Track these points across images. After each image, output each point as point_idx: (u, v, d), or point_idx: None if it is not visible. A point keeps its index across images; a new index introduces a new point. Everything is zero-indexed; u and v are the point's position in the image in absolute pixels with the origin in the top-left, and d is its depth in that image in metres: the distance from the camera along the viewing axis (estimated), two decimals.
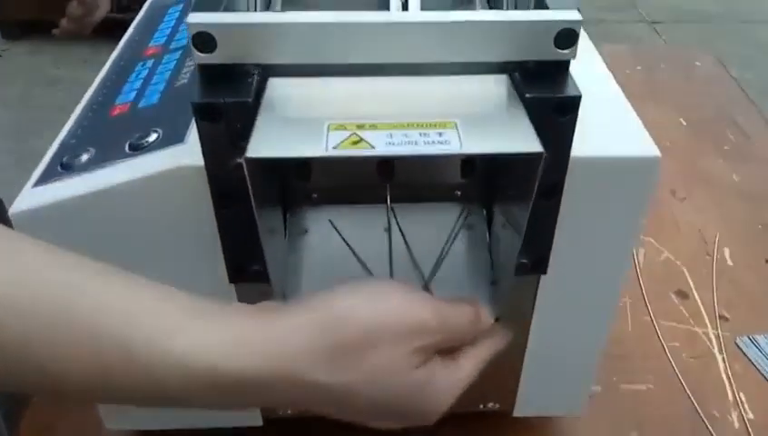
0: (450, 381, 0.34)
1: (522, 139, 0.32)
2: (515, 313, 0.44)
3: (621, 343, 0.63)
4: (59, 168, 0.42)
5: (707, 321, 0.66)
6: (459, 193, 0.45)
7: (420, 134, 0.31)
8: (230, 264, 0.40)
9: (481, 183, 0.44)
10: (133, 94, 0.47)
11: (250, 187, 0.33)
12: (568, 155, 0.36)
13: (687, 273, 0.71)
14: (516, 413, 0.53)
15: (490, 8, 0.46)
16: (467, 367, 0.36)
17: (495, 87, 0.36)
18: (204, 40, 0.34)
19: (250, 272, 0.39)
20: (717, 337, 0.65)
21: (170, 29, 0.56)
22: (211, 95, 0.34)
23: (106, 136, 0.43)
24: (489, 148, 0.32)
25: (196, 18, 0.33)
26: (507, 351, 0.44)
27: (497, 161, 0.42)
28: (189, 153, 0.38)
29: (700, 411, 0.58)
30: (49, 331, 0.28)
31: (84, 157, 0.42)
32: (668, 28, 2.93)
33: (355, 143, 0.31)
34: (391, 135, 0.31)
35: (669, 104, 0.94)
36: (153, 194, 0.39)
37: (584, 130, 0.36)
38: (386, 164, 0.43)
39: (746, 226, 0.76)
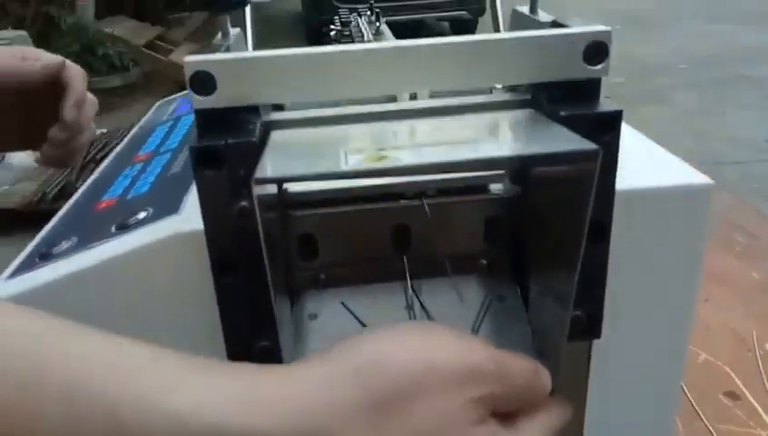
0: None
1: (573, 140, 0.28)
2: (567, 390, 0.38)
3: None
4: (37, 259, 0.36)
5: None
6: (485, 261, 0.40)
7: (451, 148, 0.28)
8: (231, 342, 0.33)
9: (509, 247, 0.39)
10: (121, 189, 0.43)
11: (261, 231, 0.28)
12: (614, 184, 0.32)
13: (733, 373, 0.64)
14: None
15: None
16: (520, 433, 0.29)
17: (526, 116, 0.33)
18: (203, 80, 0.31)
19: (256, 351, 0.33)
20: None
21: (159, 140, 0.53)
22: (212, 139, 0.30)
23: (91, 225, 0.38)
24: (537, 149, 0.28)
25: (194, 58, 0.30)
26: (564, 431, 0.37)
27: (529, 212, 0.37)
28: (184, 221, 0.34)
29: None
30: (25, 391, 0.22)
31: (65, 245, 0.37)
32: None
33: (379, 160, 0.27)
34: (419, 151, 0.27)
35: None
36: (143, 269, 0.33)
37: (625, 166, 0.32)
38: (402, 230, 0.38)
39: None
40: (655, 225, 0.35)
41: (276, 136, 0.32)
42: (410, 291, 0.38)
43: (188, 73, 0.30)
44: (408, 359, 0.25)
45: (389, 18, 0.69)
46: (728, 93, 3.72)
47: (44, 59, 0.47)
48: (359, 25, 0.66)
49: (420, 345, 0.26)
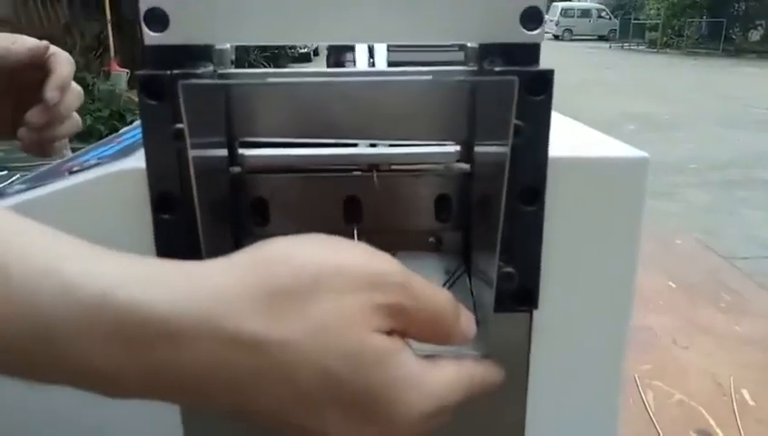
0: (424, 380, 0.26)
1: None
2: (509, 361, 0.36)
3: None
4: None
5: None
6: (433, 239, 0.40)
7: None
8: None
9: (457, 225, 0.40)
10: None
11: (192, 165, 0.29)
12: (546, 146, 0.33)
13: (706, 414, 0.62)
14: None
15: None
16: (448, 375, 0.28)
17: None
18: (156, 16, 0.32)
19: None
20: None
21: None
22: (153, 68, 0.32)
23: (46, 175, 0.39)
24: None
25: None
26: (506, 411, 0.36)
27: (473, 189, 0.38)
28: (128, 162, 0.35)
29: None
30: None
31: (18, 187, 0.38)
32: None
33: None
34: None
35: (654, 269, 0.92)
36: (86, 201, 0.34)
37: (567, 141, 0.33)
38: (353, 203, 0.39)
39: (762, 369, 0.69)
40: (594, 196, 0.35)
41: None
42: None
43: (142, 8, 0.32)
44: (313, 257, 0.25)
45: None
46: (738, 193, 3.74)
47: (29, 42, 0.50)
48: None
49: (330, 249, 0.26)
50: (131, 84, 4.75)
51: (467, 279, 0.39)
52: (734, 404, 0.63)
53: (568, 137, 0.36)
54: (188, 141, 0.29)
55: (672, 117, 5.94)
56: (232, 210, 0.38)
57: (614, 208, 0.35)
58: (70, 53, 0.53)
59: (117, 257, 0.24)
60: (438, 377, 0.27)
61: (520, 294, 0.35)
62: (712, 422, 0.60)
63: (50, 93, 0.49)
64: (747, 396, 0.64)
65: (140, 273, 0.23)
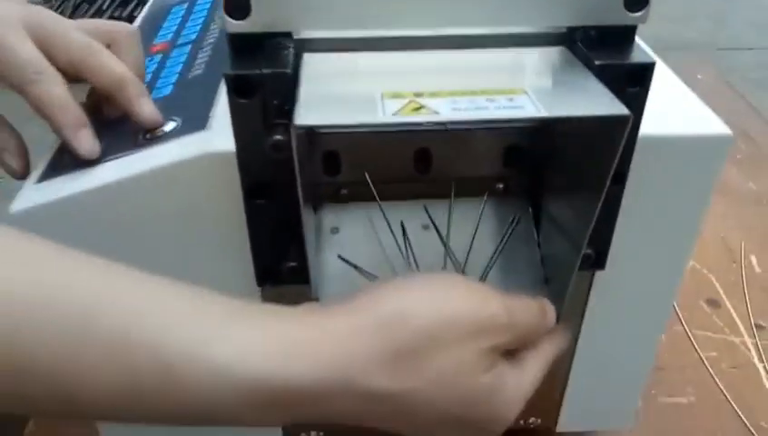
0: (519, 385, 0.30)
1: (604, 103, 0.28)
2: (565, 316, 0.40)
3: (656, 354, 0.59)
4: (61, 164, 0.37)
5: (743, 329, 0.63)
6: (502, 185, 0.41)
7: (488, 100, 0.28)
8: (259, 264, 0.35)
9: (527, 173, 0.40)
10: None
11: (297, 164, 0.29)
12: (636, 135, 0.33)
13: (716, 282, 0.67)
14: (560, 429, 0.49)
15: None
16: (533, 371, 0.32)
17: (558, 57, 0.33)
18: (237, 4, 0.30)
19: (284, 271, 0.35)
20: (756, 346, 0.61)
21: (176, 26, 0.52)
22: (246, 67, 0.30)
23: (116, 128, 0.39)
24: (571, 111, 0.28)
25: None
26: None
27: (551, 145, 0.38)
28: (213, 139, 0.35)
29: (747, 422, 0.55)
30: (70, 340, 0.24)
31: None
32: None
33: (416, 109, 0.27)
34: (455, 101, 0.28)
35: None
36: (170, 187, 0.34)
37: (648, 109, 0.33)
38: (423, 154, 0.39)
39: None
40: (669, 171, 0.36)
41: (309, 65, 0.32)
42: (431, 213, 0.40)
43: None
44: (427, 314, 0.27)
45: None
46: None
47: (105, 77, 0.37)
48: None
49: (438, 300, 0.28)
50: None
51: (533, 227, 0.41)
52: (743, 272, 0.68)
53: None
54: (297, 167, 0.29)
55: None
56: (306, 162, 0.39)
57: (688, 182, 0.36)
58: None
59: (256, 329, 0.26)
60: (528, 379, 0.31)
61: (592, 258, 0.38)
62: (721, 292, 0.66)
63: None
64: (755, 262, 0.70)
65: (282, 347, 0.26)
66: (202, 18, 0.52)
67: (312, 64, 0.32)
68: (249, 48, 0.31)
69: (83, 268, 0.26)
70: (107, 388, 0.24)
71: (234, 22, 0.30)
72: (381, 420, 0.28)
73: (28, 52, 0.35)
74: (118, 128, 0.39)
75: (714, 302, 0.65)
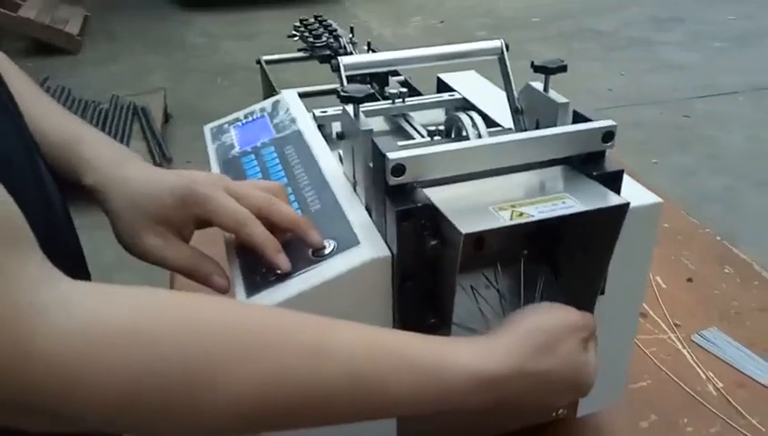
0: (593, 360, 0.52)
1: (611, 198, 0.52)
2: None
3: None
4: (255, 283, 0.55)
5: (666, 329, 0.89)
6: (526, 252, 0.63)
7: (554, 204, 0.51)
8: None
9: (544, 244, 0.63)
10: None
11: (459, 256, 0.49)
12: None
13: None
14: (580, 414, 0.70)
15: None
16: (594, 352, 0.53)
17: (568, 172, 0.56)
18: (398, 169, 0.51)
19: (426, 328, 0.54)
20: (678, 338, 0.87)
21: (260, 173, 0.71)
22: (404, 204, 0.51)
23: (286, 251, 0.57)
24: (601, 203, 0.51)
25: (394, 155, 0.51)
26: None
27: (563, 228, 0.61)
28: (367, 251, 0.54)
29: (688, 389, 0.79)
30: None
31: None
32: None
33: (520, 215, 0.49)
34: (538, 208, 0.50)
35: None
36: (347, 288, 0.53)
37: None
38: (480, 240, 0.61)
39: (665, 258, 1.02)
40: (629, 233, 0.60)
41: (436, 196, 0.53)
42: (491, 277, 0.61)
43: (389, 165, 0.50)
44: (553, 323, 0.49)
45: None
46: (574, 45, 4.19)
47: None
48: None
49: (553, 314, 0.50)
50: None
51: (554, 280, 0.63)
52: (656, 289, 0.95)
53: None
54: (459, 259, 0.50)
55: None
56: None
57: (635, 239, 0.60)
58: None
59: (473, 344, 0.46)
60: (594, 357, 0.53)
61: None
62: (645, 306, 0.92)
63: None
64: (660, 281, 0.97)
65: (485, 353, 0.46)
66: (275, 162, 0.71)
67: (437, 195, 0.53)
68: (398, 192, 0.52)
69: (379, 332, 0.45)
70: (409, 394, 0.43)
71: (396, 179, 0.51)
72: (532, 392, 0.48)
73: (234, 205, 0.54)
74: (287, 251, 0.57)
75: (643, 314, 0.91)
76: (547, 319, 0.50)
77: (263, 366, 0.38)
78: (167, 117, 3.35)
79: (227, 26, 4.72)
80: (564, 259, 0.62)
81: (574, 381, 0.50)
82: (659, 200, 0.61)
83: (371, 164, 0.55)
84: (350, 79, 0.67)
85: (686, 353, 0.85)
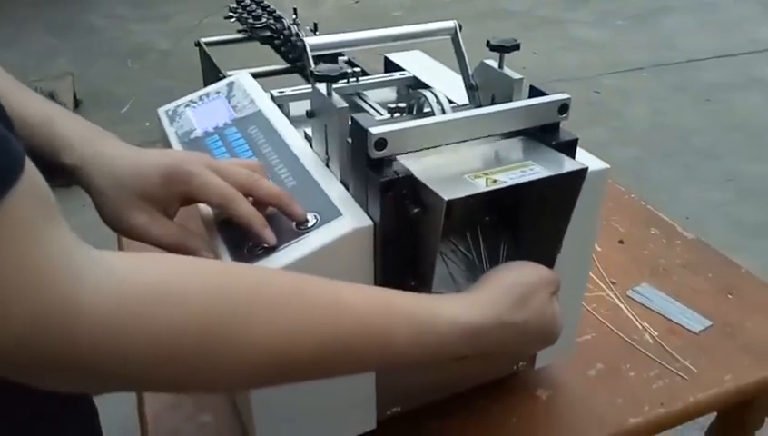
0: (559, 312, 0.57)
1: (572, 163, 0.57)
2: None
3: None
4: (242, 256, 0.57)
5: (604, 287, 0.97)
6: (488, 218, 0.68)
7: (522, 171, 0.55)
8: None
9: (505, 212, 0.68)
10: None
11: (441, 223, 0.53)
12: None
13: None
14: (537, 366, 0.76)
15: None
16: (558, 304, 0.59)
17: (529, 143, 0.61)
18: (381, 143, 0.54)
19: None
20: (615, 295, 0.95)
21: (227, 153, 0.72)
22: (386, 176, 0.54)
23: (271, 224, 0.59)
24: (564, 169, 0.56)
25: (376, 130, 0.54)
26: None
27: (526, 194, 0.66)
28: (350, 221, 0.57)
29: (627, 339, 0.87)
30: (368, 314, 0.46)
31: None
32: None
33: (494, 181, 0.54)
34: (508, 175, 0.55)
35: None
36: (333, 256, 0.56)
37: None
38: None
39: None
40: (583, 196, 0.66)
41: (414, 167, 0.57)
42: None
43: (371, 140, 0.54)
44: (526, 278, 0.54)
45: None
46: (489, 25, 4.30)
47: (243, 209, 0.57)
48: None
49: (526, 270, 0.55)
50: None
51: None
52: (596, 260, 1.03)
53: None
54: (441, 224, 0.54)
55: None
56: None
57: (587, 201, 0.66)
58: None
59: (457, 299, 0.51)
60: (559, 309, 0.58)
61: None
62: None
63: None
64: (596, 245, 1.05)
65: (469, 307, 0.50)
66: (242, 142, 0.73)
67: (416, 166, 0.57)
68: (377, 165, 0.55)
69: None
70: (407, 345, 0.47)
71: (378, 152, 0.54)
72: (509, 343, 0.53)
73: (219, 182, 0.56)
74: (271, 225, 0.59)
75: None
76: (522, 274, 0.55)
77: (287, 320, 0.41)
78: (77, 103, 3.22)
79: (134, 9, 4.56)
80: (525, 222, 0.67)
81: (545, 330, 0.55)
82: (606, 165, 0.67)
83: (350, 140, 0.58)
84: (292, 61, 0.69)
85: (623, 308, 0.93)
